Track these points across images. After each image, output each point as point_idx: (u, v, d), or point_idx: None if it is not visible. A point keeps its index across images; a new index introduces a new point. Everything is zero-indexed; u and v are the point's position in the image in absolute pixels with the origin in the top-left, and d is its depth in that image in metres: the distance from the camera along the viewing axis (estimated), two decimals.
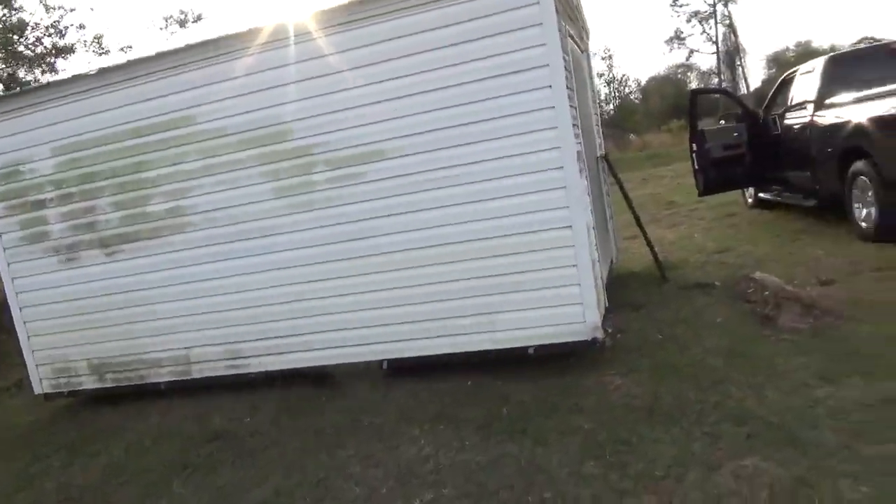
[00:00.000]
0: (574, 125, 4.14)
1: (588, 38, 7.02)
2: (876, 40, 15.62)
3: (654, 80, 42.04)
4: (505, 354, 4.23)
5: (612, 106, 38.27)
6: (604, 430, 3.40)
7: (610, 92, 40.10)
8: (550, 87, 3.91)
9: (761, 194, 8.68)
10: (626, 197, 5.92)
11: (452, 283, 4.24)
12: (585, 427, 3.47)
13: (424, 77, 4.11)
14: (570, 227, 3.97)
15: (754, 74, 48.13)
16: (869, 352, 3.69)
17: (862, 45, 13.16)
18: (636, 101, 41.20)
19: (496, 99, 4.00)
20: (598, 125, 6.58)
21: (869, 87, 6.28)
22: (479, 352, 4.25)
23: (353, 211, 4.38)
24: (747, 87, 35.89)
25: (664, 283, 5.69)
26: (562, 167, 3.94)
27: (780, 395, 3.42)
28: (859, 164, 5.98)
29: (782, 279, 5.21)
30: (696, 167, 8.07)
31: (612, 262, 6.11)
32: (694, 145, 8.02)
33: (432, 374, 4.42)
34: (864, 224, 6.09)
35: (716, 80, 38.18)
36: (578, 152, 4.11)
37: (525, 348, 4.15)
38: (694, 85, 38.75)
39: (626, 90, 41.71)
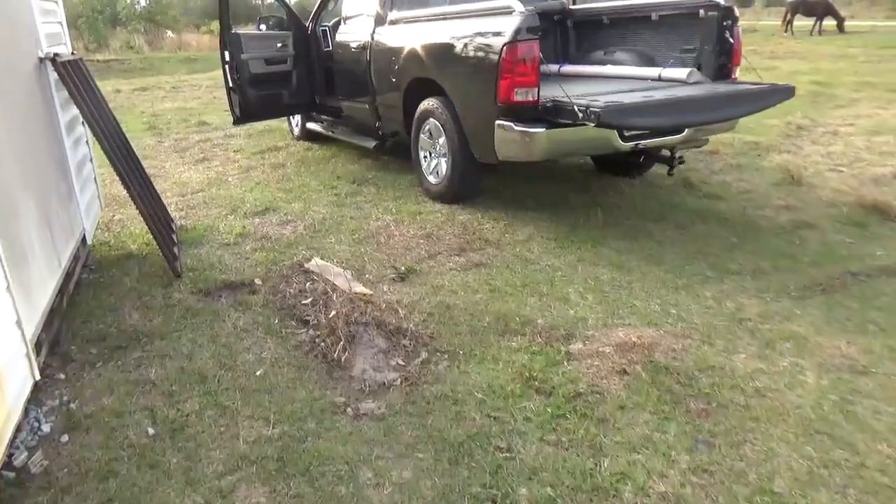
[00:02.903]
0: None
1: None
2: None
3: None
4: None
5: None
6: None
7: None
8: None
9: (310, 124, 6.99)
10: (95, 132, 3.34)
11: None
12: None
13: None
14: None
15: None
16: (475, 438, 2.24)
17: None
18: None
19: None
20: (52, 15, 3.73)
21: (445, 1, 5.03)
22: None
23: None
24: None
25: (174, 283, 3.45)
26: None
27: None
28: (431, 103, 4.68)
29: (348, 268, 3.59)
30: (231, 85, 5.87)
31: (80, 245, 3.54)
32: (227, 54, 5.77)
33: None
34: (433, 179, 4.89)
35: None
36: None
37: None
38: None
39: None
